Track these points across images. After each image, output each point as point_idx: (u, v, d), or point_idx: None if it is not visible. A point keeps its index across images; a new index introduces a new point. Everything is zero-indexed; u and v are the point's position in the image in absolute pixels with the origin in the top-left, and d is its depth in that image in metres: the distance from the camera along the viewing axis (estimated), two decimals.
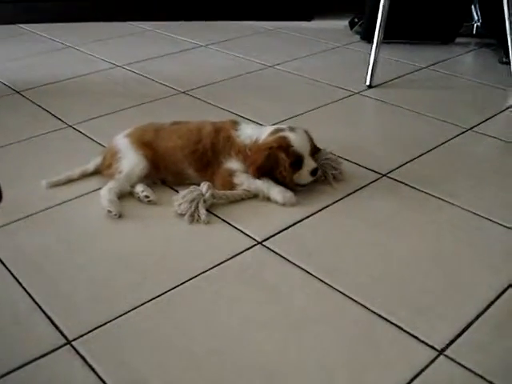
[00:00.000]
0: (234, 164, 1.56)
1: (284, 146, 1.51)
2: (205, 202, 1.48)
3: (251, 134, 1.57)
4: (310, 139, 1.58)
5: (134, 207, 1.53)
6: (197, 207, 1.46)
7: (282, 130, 1.55)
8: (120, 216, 1.49)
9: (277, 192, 1.52)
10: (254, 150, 1.54)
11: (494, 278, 1.26)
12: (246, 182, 1.54)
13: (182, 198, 1.48)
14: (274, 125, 1.93)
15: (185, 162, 1.59)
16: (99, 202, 1.51)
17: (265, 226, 1.44)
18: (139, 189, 1.55)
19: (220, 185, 1.55)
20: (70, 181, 1.63)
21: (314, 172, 1.55)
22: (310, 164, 1.54)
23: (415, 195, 1.58)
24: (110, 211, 1.48)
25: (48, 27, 3.34)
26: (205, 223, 1.45)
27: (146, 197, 1.53)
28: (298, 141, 1.52)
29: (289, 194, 1.52)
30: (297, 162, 1.53)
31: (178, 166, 1.59)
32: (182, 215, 1.47)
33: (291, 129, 1.55)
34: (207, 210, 1.48)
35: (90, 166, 1.66)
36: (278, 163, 1.51)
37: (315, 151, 1.61)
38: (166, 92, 2.34)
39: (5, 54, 2.90)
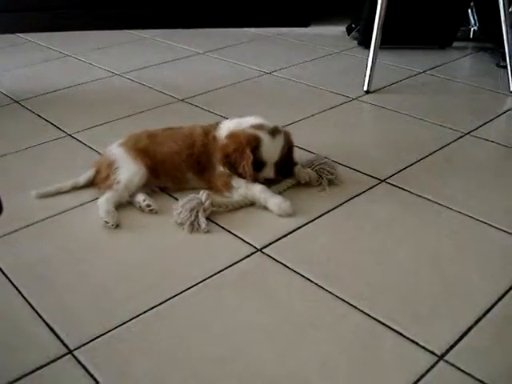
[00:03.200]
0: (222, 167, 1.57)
1: (253, 144, 1.51)
2: (204, 210, 1.48)
3: (231, 124, 1.59)
4: (287, 148, 1.58)
5: (133, 216, 1.53)
6: (196, 216, 1.47)
7: (262, 128, 1.54)
8: (117, 226, 1.49)
9: (273, 202, 1.51)
10: (229, 137, 1.55)
11: (493, 283, 1.26)
12: (243, 186, 1.54)
13: (181, 207, 1.48)
14: None
15: (183, 166, 1.59)
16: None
17: (264, 233, 1.45)
18: (140, 198, 1.54)
19: (219, 187, 1.56)
20: (59, 193, 1.62)
21: (267, 181, 1.56)
22: (268, 172, 1.55)
23: (414, 200, 1.58)
24: (106, 222, 1.48)
25: (47, 36, 3.35)
26: (204, 232, 1.46)
27: (148, 206, 1.53)
28: (267, 146, 1.52)
29: (285, 205, 1.50)
30: (258, 164, 1.53)
31: (177, 171, 1.59)
32: (181, 224, 1.47)
33: (273, 131, 1.54)
34: (207, 218, 1.49)
35: (81, 179, 1.64)
36: (242, 158, 1.51)
37: (287, 162, 1.60)
38: (164, 100, 2.35)
39: (3, 63, 2.90)
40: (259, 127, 1.54)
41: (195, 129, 1.64)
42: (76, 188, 1.65)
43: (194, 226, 1.46)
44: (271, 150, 1.53)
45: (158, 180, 1.61)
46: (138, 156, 1.60)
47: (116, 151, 1.63)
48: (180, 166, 1.59)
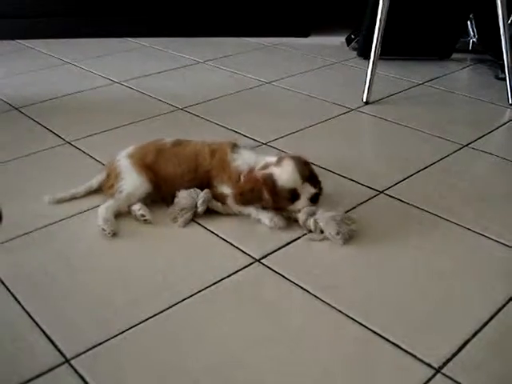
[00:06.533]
0: (225, 189, 1.55)
1: (269, 184, 1.48)
2: (196, 214, 1.54)
3: (248, 160, 1.56)
4: (304, 165, 1.53)
5: (132, 225, 1.53)
6: (183, 215, 1.53)
7: (270, 164, 1.51)
8: (114, 234, 1.49)
9: (265, 216, 1.51)
10: (245, 179, 1.52)
11: (490, 296, 1.26)
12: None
13: (175, 204, 1.55)
14: (270, 142, 1.96)
15: (185, 187, 1.59)
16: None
17: (263, 244, 1.45)
18: (136, 207, 1.55)
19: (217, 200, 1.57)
20: (74, 198, 1.64)
21: (313, 198, 1.51)
22: (307, 191, 1.51)
23: (412, 212, 1.58)
24: (104, 230, 1.48)
25: (47, 43, 3.36)
26: (179, 227, 1.52)
27: (142, 216, 1.54)
28: (283, 177, 1.48)
29: (277, 218, 1.50)
30: (292, 195, 1.50)
31: (179, 190, 1.58)
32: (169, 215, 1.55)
33: (278, 162, 1.51)
34: (200, 224, 1.50)
35: (94, 183, 1.66)
36: (261, 198, 1.50)
37: (312, 176, 1.55)
38: (163, 108, 2.35)
39: (4, 69, 2.91)
40: (266, 166, 1.52)
41: (201, 149, 1.62)
42: (90, 192, 1.66)
43: (176, 221, 1.54)
44: (288, 176, 1.48)
45: (159, 193, 1.61)
46: (144, 170, 1.60)
47: (123, 162, 1.63)
48: (182, 187, 1.59)
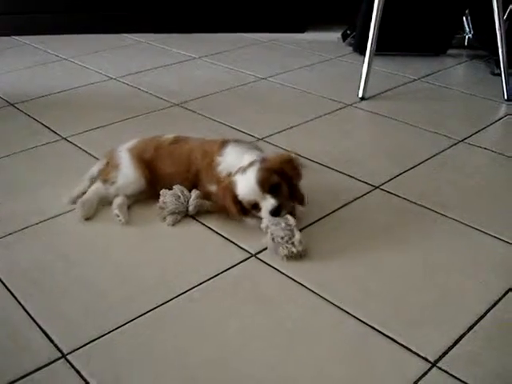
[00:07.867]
0: (213, 188, 1.53)
1: (230, 194, 1.45)
2: (187, 214, 1.54)
3: (230, 163, 1.51)
4: (271, 174, 1.43)
5: (129, 221, 1.54)
6: (176, 215, 1.53)
7: (240, 170, 1.46)
8: (87, 219, 1.53)
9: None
10: (219, 185, 1.51)
11: (486, 290, 1.27)
12: None
13: (163, 204, 1.53)
14: (266, 138, 1.95)
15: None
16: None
17: (258, 239, 1.44)
18: (114, 205, 1.56)
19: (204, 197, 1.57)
20: (84, 192, 1.61)
21: (274, 212, 1.42)
22: (268, 204, 1.42)
23: (408, 207, 1.58)
24: (77, 211, 1.54)
25: (43, 39, 3.35)
26: (168, 225, 1.52)
27: (117, 216, 1.53)
28: (242, 188, 1.43)
29: (253, 222, 1.48)
30: (252, 206, 1.45)
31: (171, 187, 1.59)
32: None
33: (246, 168, 1.45)
34: (196, 219, 1.50)
35: (95, 170, 1.66)
36: (226, 207, 1.48)
37: (290, 185, 1.48)
38: (159, 104, 2.35)
39: (0, 66, 2.91)
40: (237, 171, 1.47)
41: (194, 150, 1.59)
42: (93, 179, 1.65)
43: (165, 220, 1.54)
44: (247, 188, 1.43)
45: (156, 190, 1.60)
46: (141, 166, 1.61)
47: (124, 154, 1.63)
48: (174, 185, 1.58)
